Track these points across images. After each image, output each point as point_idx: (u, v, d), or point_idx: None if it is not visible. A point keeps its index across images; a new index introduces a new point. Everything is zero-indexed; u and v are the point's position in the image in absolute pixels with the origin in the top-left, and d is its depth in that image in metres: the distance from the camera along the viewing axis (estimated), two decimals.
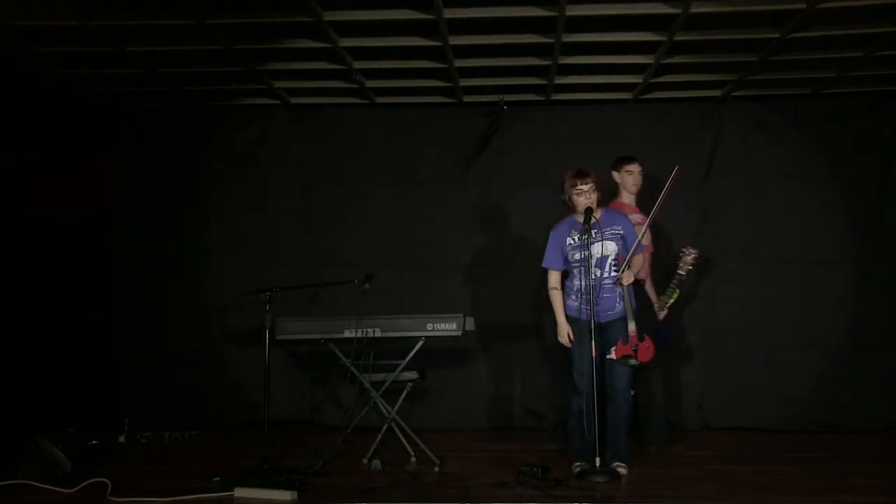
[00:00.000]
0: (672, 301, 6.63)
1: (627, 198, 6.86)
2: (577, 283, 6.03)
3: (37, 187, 8.19)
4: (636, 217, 6.55)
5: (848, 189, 7.88)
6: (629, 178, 6.84)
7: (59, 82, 7.54)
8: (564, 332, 6.06)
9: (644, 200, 6.71)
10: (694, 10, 5.95)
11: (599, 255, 5.92)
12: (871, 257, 7.80)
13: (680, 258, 6.48)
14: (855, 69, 7.24)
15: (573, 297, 6.06)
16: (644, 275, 6.64)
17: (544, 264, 6.17)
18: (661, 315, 6.72)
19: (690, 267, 6.47)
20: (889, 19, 6.18)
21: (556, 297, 6.13)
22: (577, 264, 5.98)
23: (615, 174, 6.87)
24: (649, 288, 6.81)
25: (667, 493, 5.41)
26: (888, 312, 7.63)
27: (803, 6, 5.87)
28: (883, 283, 7.74)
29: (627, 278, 5.91)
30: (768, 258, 7.77)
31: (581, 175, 5.96)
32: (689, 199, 7.77)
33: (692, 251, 6.44)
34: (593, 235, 5.83)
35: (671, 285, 6.57)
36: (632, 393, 6.11)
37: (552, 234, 6.15)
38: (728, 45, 6.78)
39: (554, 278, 6.16)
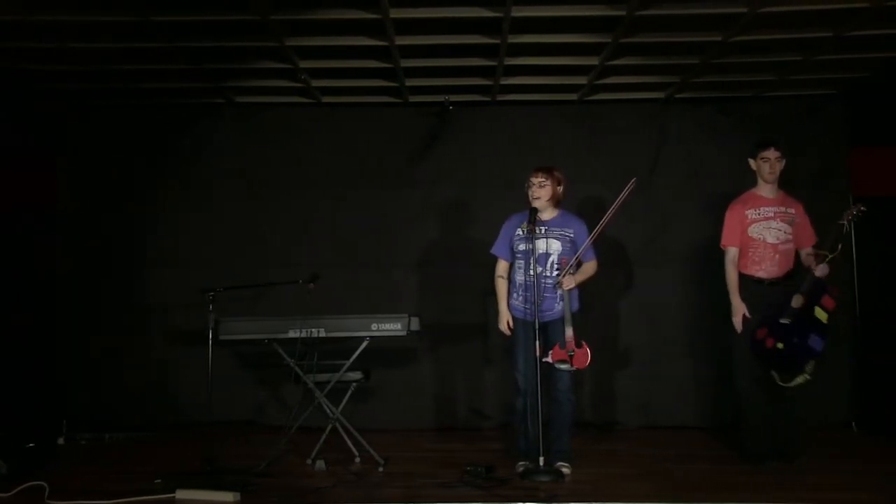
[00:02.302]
0: (832, 256, 5.94)
1: (765, 189, 6.35)
2: (518, 278, 6.08)
3: None
4: (768, 210, 6.27)
5: (790, 190, 7.98)
6: (764, 167, 6.28)
7: (1, 78, 7.40)
8: (504, 320, 6.13)
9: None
10: (638, 12, 6.00)
11: (543, 252, 5.97)
12: None
13: (846, 211, 5.99)
14: (795, 73, 7.36)
15: (515, 294, 6.11)
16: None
17: (492, 250, 6.26)
18: (818, 271, 5.95)
19: (854, 217, 5.95)
20: (827, 24, 6.30)
21: (501, 286, 6.20)
22: (521, 256, 6.04)
23: (751, 162, 6.37)
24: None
25: (610, 492, 5.44)
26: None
27: (744, 10, 5.95)
28: None
29: (568, 283, 5.94)
30: (709, 257, 7.84)
31: (536, 169, 6.06)
32: (634, 200, 7.80)
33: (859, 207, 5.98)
34: (537, 233, 5.90)
35: (832, 236, 5.94)
36: (573, 394, 6.14)
37: (506, 222, 6.23)
38: (671, 48, 6.84)
39: (501, 267, 6.23)
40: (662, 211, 8.08)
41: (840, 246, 5.94)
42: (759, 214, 6.32)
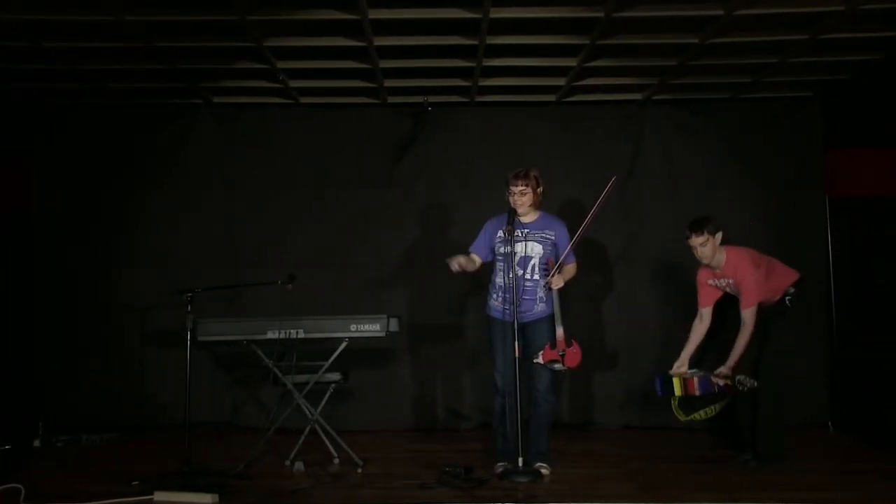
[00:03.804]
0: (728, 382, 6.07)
1: (712, 263, 6.30)
2: (498, 280, 6.07)
3: None
4: (721, 282, 6.31)
5: (764, 192, 8.06)
6: (694, 253, 6.28)
7: None
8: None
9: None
10: (615, 14, 6.02)
11: (523, 255, 5.97)
12: (787, 258, 7.94)
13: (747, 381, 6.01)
14: (770, 75, 7.41)
15: (494, 295, 6.11)
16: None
17: (471, 249, 6.20)
18: (716, 377, 6.12)
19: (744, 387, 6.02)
20: (802, 27, 6.35)
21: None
22: (501, 259, 6.03)
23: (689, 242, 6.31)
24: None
25: (589, 492, 5.46)
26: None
27: (721, 13, 5.98)
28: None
29: (557, 283, 5.95)
30: (686, 260, 7.86)
31: (516, 176, 6.01)
32: (612, 201, 7.82)
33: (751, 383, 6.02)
34: (517, 236, 5.90)
35: (734, 382, 6.04)
36: (554, 396, 6.16)
37: (487, 223, 6.20)
38: (649, 49, 6.87)
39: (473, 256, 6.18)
40: (640, 212, 8.10)
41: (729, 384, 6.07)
42: (716, 284, 6.42)
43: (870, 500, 5.27)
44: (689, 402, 6.34)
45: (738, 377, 6.00)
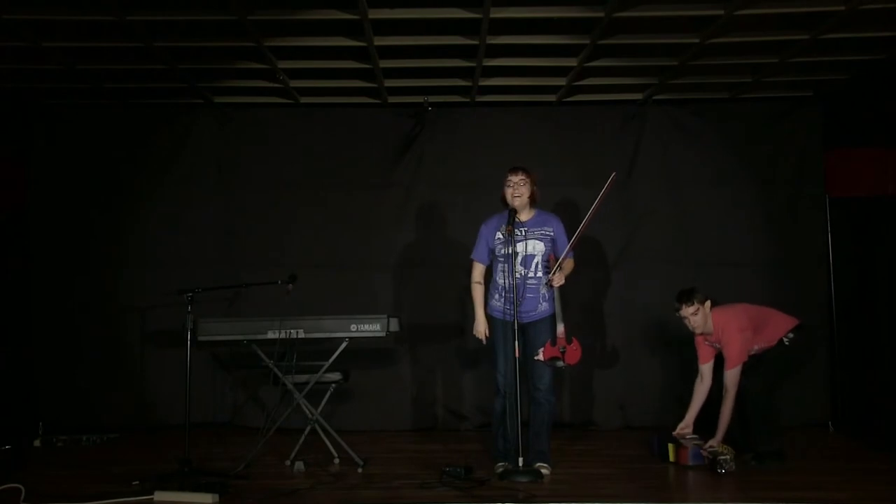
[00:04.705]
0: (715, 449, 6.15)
1: (705, 330, 6.40)
2: (499, 280, 6.06)
3: None
4: (714, 344, 6.41)
5: (764, 192, 8.06)
6: (686, 323, 6.38)
7: None
8: (482, 327, 6.09)
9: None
10: (616, 14, 6.02)
11: (525, 254, 5.96)
12: (787, 258, 7.98)
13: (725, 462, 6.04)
14: (770, 75, 7.41)
15: (496, 296, 6.09)
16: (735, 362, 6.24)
17: (473, 256, 6.20)
18: (707, 454, 6.18)
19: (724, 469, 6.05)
20: (802, 27, 6.35)
21: (478, 291, 6.16)
22: (502, 260, 6.01)
23: (680, 314, 6.41)
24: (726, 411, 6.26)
25: (589, 492, 5.46)
26: (802, 312, 7.77)
27: (721, 12, 5.99)
28: (797, 283, 7.92)
29: (558, 280, 5.94)
30: (687, 260, 7.89)
31: (513, 169, 6.03)
32: (611, 201, 7.83)
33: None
34: (518, 235, 5.89)
35: (717, 453, 6.08)
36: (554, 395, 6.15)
37: (482, 227, 6.17)
38: (649, 49, 6.88)
39: (478, 272, 6.19)
40: (640, 212, 8.10)
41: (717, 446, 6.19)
42: (711, 344, 6.48)
43: (870, 500, 5.26)
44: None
45: (720, 458, 6.03)
